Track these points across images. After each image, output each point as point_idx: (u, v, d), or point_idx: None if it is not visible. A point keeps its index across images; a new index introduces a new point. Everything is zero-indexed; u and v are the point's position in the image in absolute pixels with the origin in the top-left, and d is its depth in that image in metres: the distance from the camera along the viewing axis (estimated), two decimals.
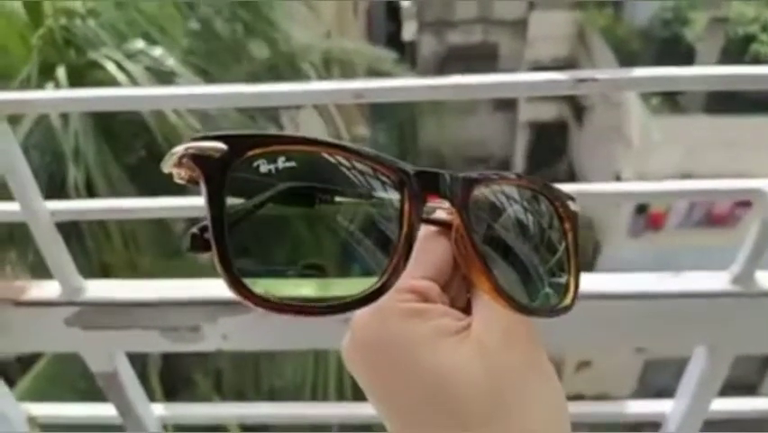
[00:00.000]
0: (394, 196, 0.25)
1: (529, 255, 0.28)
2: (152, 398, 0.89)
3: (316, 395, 2.65)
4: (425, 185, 0.25)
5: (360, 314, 0.25)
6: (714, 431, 0.84)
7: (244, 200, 0.23)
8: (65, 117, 2.48)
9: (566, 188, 0.31)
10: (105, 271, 2.71)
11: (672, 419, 0.78)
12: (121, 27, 2.67)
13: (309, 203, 0.24)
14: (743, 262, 0.63)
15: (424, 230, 0.26)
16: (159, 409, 0.85)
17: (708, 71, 0.56)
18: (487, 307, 0.25)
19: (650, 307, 0.65)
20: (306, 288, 0.24)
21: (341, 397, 2.63)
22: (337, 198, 0.25)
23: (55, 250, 0.65)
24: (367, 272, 0.25)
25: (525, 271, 0.28)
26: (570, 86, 0.52)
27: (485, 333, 0.24)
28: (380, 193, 0.25)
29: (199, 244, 0.22)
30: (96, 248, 2.69)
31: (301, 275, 0.24)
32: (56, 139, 2.51)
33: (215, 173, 0.21)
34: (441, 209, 0.27)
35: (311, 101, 0.57)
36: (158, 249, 2.73)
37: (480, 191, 0.26)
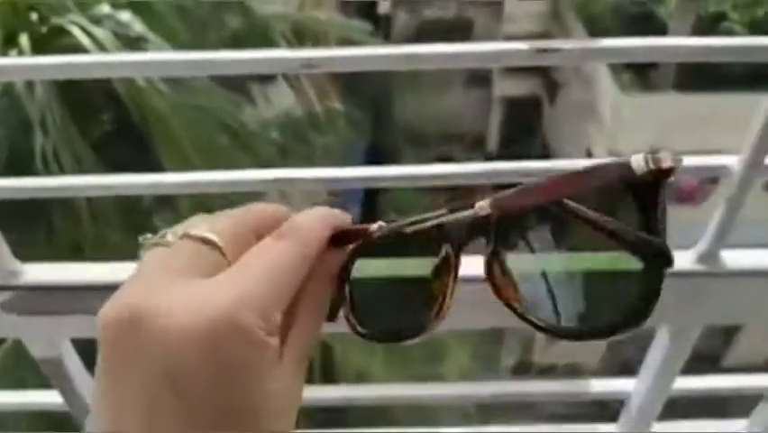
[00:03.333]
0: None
1: None
2: None
3: None
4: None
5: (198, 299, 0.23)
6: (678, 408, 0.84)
7: None
8: (30, 89, 2.38)
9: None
10: (76, 250, 2.64)
11: (635, 398, 0.78)
12: None
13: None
14: (708, 240, 0.62)
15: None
16: None
17: (669, 42, 0.55)
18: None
19: None
20: None
21: (309, 380, 2.62)
22: None
23: None
24: None
25: None
26: (530, 56, 0.50)
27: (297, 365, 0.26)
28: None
29: None
30: (63, 226, 2.62)
31: None
32: (20, 111, 2.41)
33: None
34: None
35: (259, 70, 0.54)
36: (129, 224, 2.67)
37: None
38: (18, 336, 0.69)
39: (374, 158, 5.56)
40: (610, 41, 0.53)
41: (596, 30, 5.74)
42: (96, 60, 0.62)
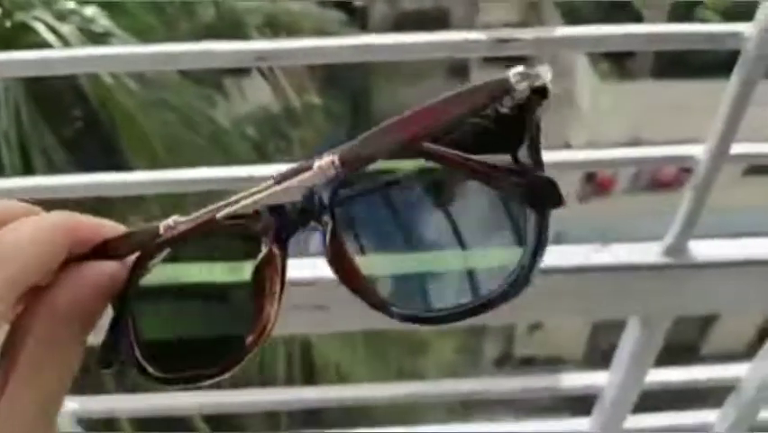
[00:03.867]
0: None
1: None
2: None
3: (265, 380, 2.61)
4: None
5: None
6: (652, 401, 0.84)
7: None
8: None
9: None
10: None
11: (608, 391, 0.77)
12: None
13: None
14: (675, 232, 0.61)
15: None
16: (72, 404, 0.79)
17: (631, 29, 0.53)
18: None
19: (580, 279, 0.62)
20: None
21: (290, 382, 2.61)
22: None
23: None
24: None
25: None
26: (488, 46, 0.48)
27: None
28: None
29: None
30: None
31: None
32: None
33: None
34: None
35: (210, 64, 0.51)
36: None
37: None
38: None
39: None
40: (569, 30, 0.51)
41: (573, 20, 5.75)
42: (53, 56, 0.59)
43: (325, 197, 0.20)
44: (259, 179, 0.21)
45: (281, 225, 0.20)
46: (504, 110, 0.20)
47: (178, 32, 3.00)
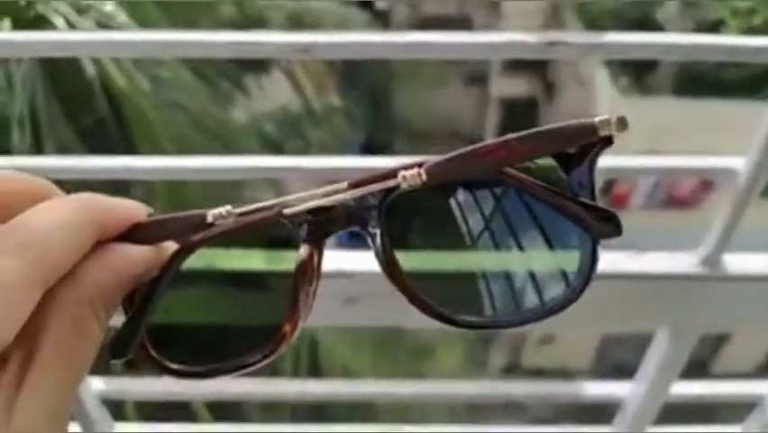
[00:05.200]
0: None
1: None
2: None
3: (273, 371, 2.62)
4: None
5: None
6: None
7: None
8: (8, 79, 2.35)
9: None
10: None
11: (630, 401, 0.77)
12: None
13: None
14: (711, 244, 0.61)
15: None
16: (98, 384, 0.80)
17: (679, 39, 0.53)
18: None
19: (613, 286, 0.62)
20: None
21: (296, 373, 2.61)
22: None
23: None
24: None
25: None
26: (539, 49, 0.48)
27: None
28: None
29: None
30: None
31: None
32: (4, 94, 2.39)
33: None
34: None
35: (259, 55, 0.52)
36: None
37: None
38: None
39: (369, 154, 5.53)
40: (618, 36, 0.51)
41: (595, 31, 5.74)
42: (99, 39, 0.60)
43: (375, 201, 0.20)
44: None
45: (327, 223, 0.21)
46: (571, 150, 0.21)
47: (197, 28, 3.02)
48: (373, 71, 4.77)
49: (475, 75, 6.94)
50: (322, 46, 0.46)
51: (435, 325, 0.21)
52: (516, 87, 6.79)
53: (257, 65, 3.56)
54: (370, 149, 5.67)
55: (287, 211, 0.20)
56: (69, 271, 0.18)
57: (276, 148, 3.48)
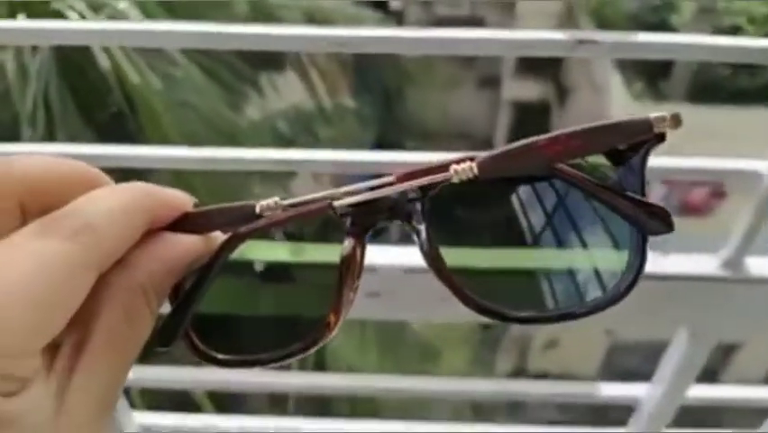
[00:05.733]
0: None
1: None
2: None
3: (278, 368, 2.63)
4: None
5: None
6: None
7: None
8: (22, 70, 2.38)
9: None
10: None
11: (646, 403, 0.77)
12: None
13: None
14: (733, 246, 0.61)
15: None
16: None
17: (707, 41, 0.53)
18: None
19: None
20: None
21: (302, 366, 2.62)
22: None
23: None
24: None
25: None
26: (569, 46, 0.48)
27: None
28: None
29: None
30: None
31: None
32: (17, 88, 2.41)
33: None
34: None
35: (290, 47, 0.52)
36: None
37: None
38: None
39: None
40: (647, 36, 0.52)
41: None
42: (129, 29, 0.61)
43: (419, 194, 0.20)
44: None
45: (370, 216, 0.21)
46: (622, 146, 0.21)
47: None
48: (386, 73, 4.78)
49: (487, 78, 6.94)
50: (358, 40, 0.46)
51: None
52: (529, 90, 6.78)
53: (272, 64, 3.58)
54: (380, 148, 5.67)
55: (336, 203, 0.20)
56: (122, 259, 0.18)
57: (287, 144, 3.49)
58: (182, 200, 0.20)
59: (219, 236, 0.20)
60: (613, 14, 6.01)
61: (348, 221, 0.21)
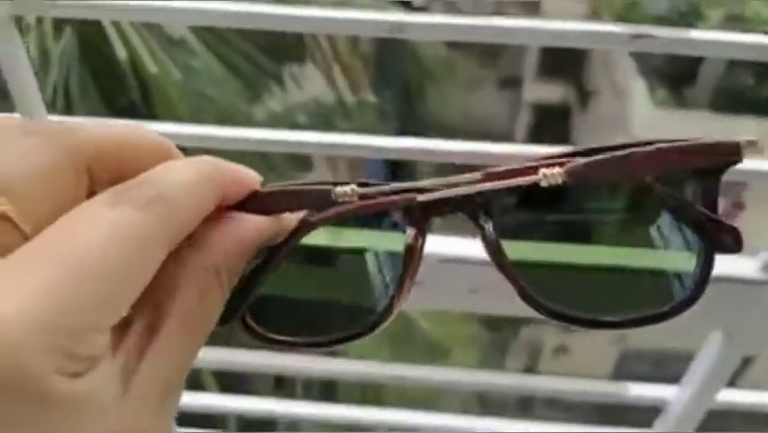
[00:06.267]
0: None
1: None
2: None
3: None
4: None
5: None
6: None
7: None
8: (44, 55, 2.40)
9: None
10: None
11: (675, 405, 0.76)
12: None
13: None
14: None
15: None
16: None
17: (765, 40, 0.53)
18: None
19: None
20: None
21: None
22: None
23: None
24: None
25: None
26: (624, 40, 0.48)
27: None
28: None
29: None
30: None
31: None
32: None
33: None
34: None
35: (342, 30, 0.53)
36: None
37: None
38: None
39: None
40: (703, 33, 0.51)
41: None
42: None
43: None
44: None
45: (437, 209, 0.21)
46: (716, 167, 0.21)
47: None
48: (408, 69, 4.78)
49: (509, 78, 6.91)
50: (415, 26, 0.47)
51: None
52: (550, 92, 6.75)
53: (293, 58, 3.59)
54: None
55: (420, 198, 0.20)
56: (194, 237, 0.18)
57: None
58: (252, 178, 0.19)
59: (290, 218, 0.20)
60: (638, 18, 5.96)
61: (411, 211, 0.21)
